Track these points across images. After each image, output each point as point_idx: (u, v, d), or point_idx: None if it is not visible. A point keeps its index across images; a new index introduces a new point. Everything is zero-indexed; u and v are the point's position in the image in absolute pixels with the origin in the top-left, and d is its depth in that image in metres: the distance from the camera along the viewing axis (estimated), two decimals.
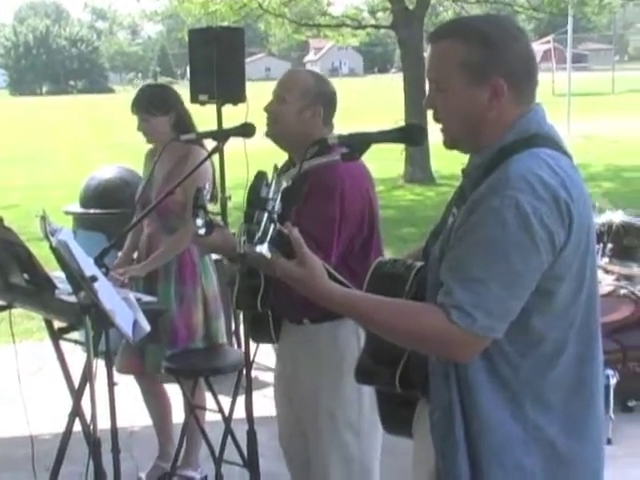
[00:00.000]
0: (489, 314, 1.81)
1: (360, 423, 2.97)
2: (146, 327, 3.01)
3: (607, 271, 5.33)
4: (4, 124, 32.89)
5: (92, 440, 3.22)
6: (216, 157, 4.60)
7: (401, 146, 12.48)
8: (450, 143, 2.02)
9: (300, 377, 3.05)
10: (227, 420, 3.77)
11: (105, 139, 25.08)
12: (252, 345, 2.95)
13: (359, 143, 2.15)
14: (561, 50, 35.70)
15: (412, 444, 2.23)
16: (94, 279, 2.84)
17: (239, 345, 5.56)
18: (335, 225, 2.81)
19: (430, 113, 2.02)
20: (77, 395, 3.53)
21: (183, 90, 4.32)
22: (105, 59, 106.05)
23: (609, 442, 4.27)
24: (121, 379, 3.45)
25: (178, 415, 4.23)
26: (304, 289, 1.94)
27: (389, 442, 2.62)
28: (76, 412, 3.54)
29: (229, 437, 3.77)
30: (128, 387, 4.14)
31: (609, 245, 5.18)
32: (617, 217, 5.25)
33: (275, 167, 2.05)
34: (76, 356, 4.51)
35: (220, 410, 3.82)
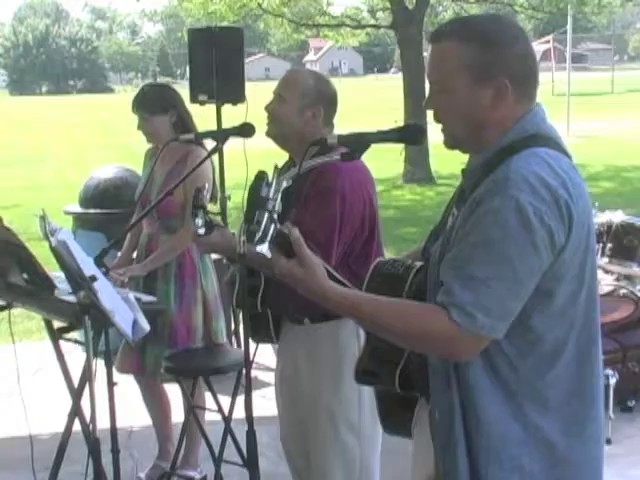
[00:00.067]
0: (489, 314, 1.80)
1: (360, 423, 2.97)
2: (146, 327, 3.01)
3: (607, 271, 5.33)
4: (4, 124, 32.91)
5: (92, 440, 3.22)
6: (216, 157, 4.60)
7: (400, 146, 12.50)
8: (451, 144, 2.01)
9: (300, 377, 3.05)
10: (227, 420, 3.77)
11: (105, 139, 25.10)
12: (252, 345, 2.95)
13: (359, 143, 2.15)
14: (561, 50, 35.72)
15: (411, 444, 2.23)
16: (94, 279, 2.84)
17: (239, 345, 5.57)
18: (335, 226, 2.81)
19: (430, 114, 2.02)
20: (77, 395, 3.53)
21: (183, 90, 4.32)
22: (105, 59, 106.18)
23: (609, 442, 4.27)
24: (121, 379, 3.44)
25: (178, 415, 4.23)
26: (304, 289, 1.94)
27: (389, 442, 2.62)
28: (76, 412, 3.54)
29: (229, 437, 3.77)
30: (128, 387, 4.14)
31: (609, 245, 5.18)
32: (617, 217, 5.26)
33: (275, 167, 2.05)
34: (76, 356, 4.51)
35: (220, 410, 3.82)
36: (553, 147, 1.91)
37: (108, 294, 2.92)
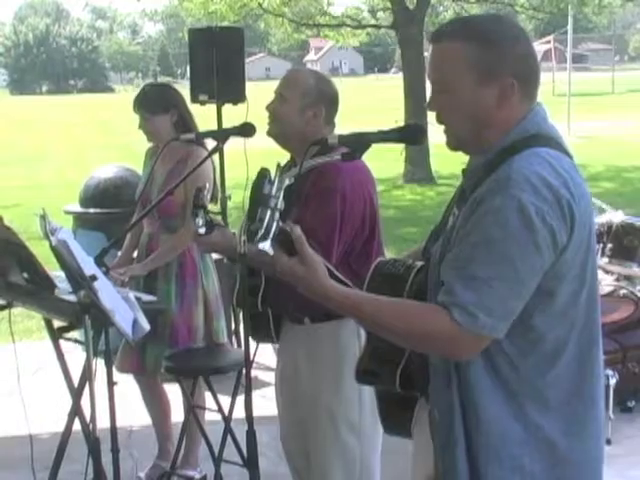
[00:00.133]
0: (491, 313, 1.80)
1: (361, 423, 2.96)
2: (146, 326, 3.01)
3: (607, 271, 5.33)
4: (4, 123, 32.91)
5: (91, 439, 3.22)
6: (216, 157, 4.60)
7: (401, 146, 12.50)
8: (455, 145, 2.00)
9: (301, 377, 3.04)
10: (227, 420, 3.77)
11: (105, 138, 25.10)
12: (252, 344, 2.95)
13: (359, 143, 2.15)
14: (561, 50, 35.71)
15: (411, 444, 2.23)
16: (94, 278, 2.84)
17: (239, 344, 5.57)
18: (336, 225, 2.81)
19: (430, 113, 2.01)
20: (77, 394, 3.53)
21: (183, 90, 4.32)
22: (105, 58, 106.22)
23: (608, 442, 4.27)
24: (121, 378, 3.44)
25: (178, 414, 4.23)
26: (305, 288, 1.94)
27: (389, 442, 2.62)
28: (75, 411, 3.54)
29: (229, 437, 3.77)
30: (128, 386, 4.14)
31: (609, 245, 5.18)
32: (617, 217, 5.26)
33: (278, 164, 2.05)
34: (76, 355, 4.51)
35: (220, 410, 3.81)
36: (554, 147, 1.91)
37: (108, 293, 2.92)
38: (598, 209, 5.37)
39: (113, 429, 3.12)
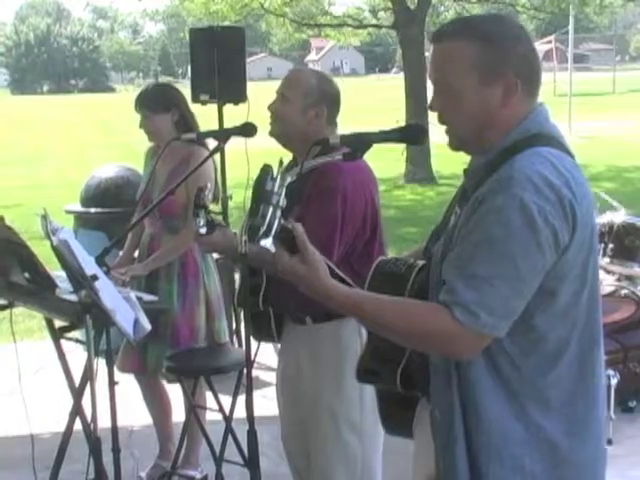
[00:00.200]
0: (493, 312, 1.80)
1: (362, 423, 2.96)
2: (147, 326, 3.01)
3: (608, 271, 5.33)
4: (5, 123, 32.92)
5: (92, 439, 3.22)
6: (217, 157, 4.60)
7: (402, 146, 12.50)
8: (457, 145, 2.00)
9: (302, 377, 3.04)
10: (228, 419, 3.77)
11: (106, 138, 25.10)
12: (253, 344, 2.95)
13: (360, 143, 2.15)
14: (562, 50, 35.71)
15: (412, 444, 2.23)
16: (95, 278, 2.84)
17: (240, 344, 5.56)
18: (337, 225, 2.81)
19: (431, 113, 2.01)
20: (78, 394, 3.53)
21: (184, 89, 4.32)
22: (106, 58, 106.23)
23: (610, 442, 4.26)
24: (122, 378, 3.44)
25: (179, 414, 4.23)
26: (306, 287, 1.94)
27: (390, 442, 2.62)
28: (77, 411, 3.54)
29: (230, 436, 3.77)
30: (129, 386, 4.14)
31: (610, 245, 5.18)
32: (618, 217, 5.26)
33: (281, 161, 2.05)
34: (77, 355, 4.51)
35: (221, 409, 3.82)
36: (556, 146, 1.90)
37: (109, 293, 2.92)
38: (609, 206, 5.37)
39: (114, 429, 3.12)
